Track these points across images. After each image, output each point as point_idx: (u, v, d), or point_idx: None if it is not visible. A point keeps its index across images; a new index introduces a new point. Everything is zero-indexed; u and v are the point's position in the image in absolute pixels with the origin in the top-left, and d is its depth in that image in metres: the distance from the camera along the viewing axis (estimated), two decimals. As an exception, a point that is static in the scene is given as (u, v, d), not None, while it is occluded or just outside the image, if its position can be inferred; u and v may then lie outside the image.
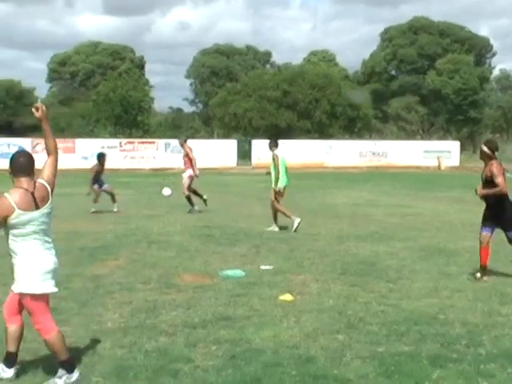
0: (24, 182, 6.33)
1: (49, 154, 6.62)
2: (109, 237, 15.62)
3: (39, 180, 6.44)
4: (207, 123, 74.38)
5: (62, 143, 45.69)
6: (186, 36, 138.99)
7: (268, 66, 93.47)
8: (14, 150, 46.14)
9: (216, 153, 49.85)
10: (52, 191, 6.49)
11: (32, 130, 68.54)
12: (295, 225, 16.63)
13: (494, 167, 10.98)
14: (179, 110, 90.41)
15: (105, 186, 21.56)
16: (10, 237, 6.30)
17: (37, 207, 6.31)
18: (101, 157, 21.79)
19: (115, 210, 20.98)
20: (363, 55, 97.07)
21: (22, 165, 6.38)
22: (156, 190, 29.98)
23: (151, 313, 8.90)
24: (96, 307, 9.22)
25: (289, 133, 61.23)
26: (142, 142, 51.21)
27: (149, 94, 76.08)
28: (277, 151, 17.12)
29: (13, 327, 6.63)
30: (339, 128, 67.20)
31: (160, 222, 18.26)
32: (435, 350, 7.40)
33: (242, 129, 64.62)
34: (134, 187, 31.78)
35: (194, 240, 15.20)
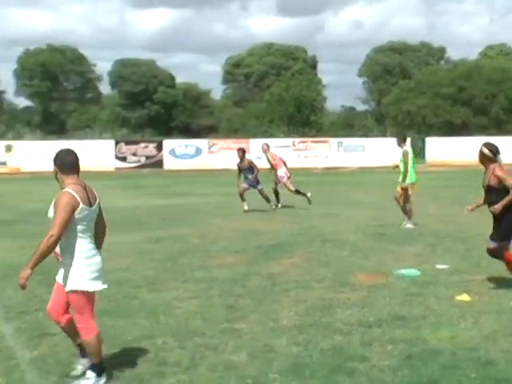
0: (75, 178, 6.44)
1: None
2: (283, 235, 15.79)
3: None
4: (380, 121, 73.63)
5: (236, 144, 46.67)
6: (359, 34, 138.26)
7: (442, 62, 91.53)
8: (191, 150, 47.74)
9: (389, 151, 49.29)
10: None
11: (208, 131, 70.61)
12: (408, 225, 16.69)
13: (498, 170, 9.85)
14: (351, 109, 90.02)
15: (259, 187, 21.52)
16: (69, 234, 6.30)
17: (90, 203, 6.43)
18: (238, 151, 21.80)
19: (278, 206, 21.32)
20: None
21: (71, 163, 6.48)
22: (331, 188, 30.08)
23: (326, 311, 8.93)
24: (272, 305, 9.34)
25: (464, 129, 59.77)
26: (315, 141, 51.41)
27: (321, 93, 76.42)
28: (406, 147, 17.16)
29: (66, 324, 6.67)
30: (517, 123, 64.90)
31: (333, 221, 18.30)
32: None
33: (416, 126, 63.63)
34: (308, 186, 31.93)
35: (367, 239, 15.12)
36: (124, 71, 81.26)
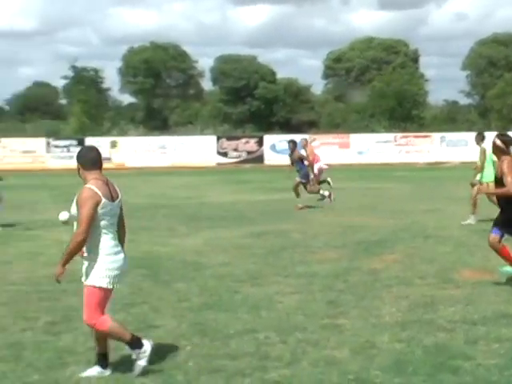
0: (97, 174, 6.50)
1: None
2: (384, 231, 15.66)
3: None
4: (484, 116, 72.12)
5: (337, 138, 46.43)
6: (462, 27, 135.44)
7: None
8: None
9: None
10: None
11: (309, 126, 70.52)
12: (468, 221, 16.81)
13: (505, 164, 9.60)
14: (454, 103, 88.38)
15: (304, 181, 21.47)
16: (93, 229, 6.34)
17: (112, 198, 6.47)
18: (288, 143, 21.73)
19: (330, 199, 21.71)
20: None
21: (93, 159, 6.55)
22: (434, 184, 29.64)
23: (429, 308, 8.81)
24: (373, 301, 9.28)
25: None
26: (417, 136, 50.73)
27: (423, 87, 75.37)
28: (484, 145, 16.91)
29: None
30: None
31: (437, 217, 18.04)
32: None
33: (522, 120, 62.16)
34: (411, 181, 31.64)
35: (472, 235, 14.84)
36: (225, 67, 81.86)
